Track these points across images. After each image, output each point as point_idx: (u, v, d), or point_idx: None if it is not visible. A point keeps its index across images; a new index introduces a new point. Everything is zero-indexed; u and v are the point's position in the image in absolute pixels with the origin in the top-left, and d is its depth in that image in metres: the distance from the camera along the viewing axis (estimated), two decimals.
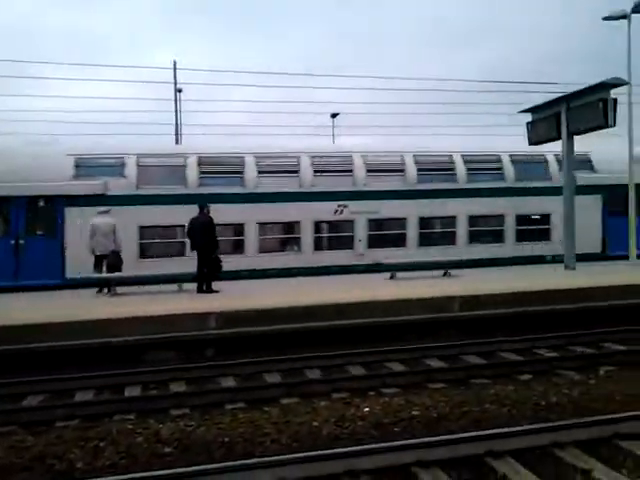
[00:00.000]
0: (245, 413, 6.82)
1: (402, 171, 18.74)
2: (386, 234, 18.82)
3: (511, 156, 19.50)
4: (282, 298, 11.68)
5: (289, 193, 17.54)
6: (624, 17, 15.14)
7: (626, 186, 17.66)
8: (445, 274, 15.32)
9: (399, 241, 18.65)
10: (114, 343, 9.65)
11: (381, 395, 7.50)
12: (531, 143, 17.59)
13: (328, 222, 18.27)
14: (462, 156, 19.18)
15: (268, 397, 7.50)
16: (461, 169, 19.02)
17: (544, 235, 19.47)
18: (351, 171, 18.26)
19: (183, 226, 14.62)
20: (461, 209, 18.78)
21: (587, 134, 15.75)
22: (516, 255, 18.52)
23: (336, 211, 17.83)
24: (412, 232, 18.68)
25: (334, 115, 38.33)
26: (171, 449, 5.78)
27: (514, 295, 11.75)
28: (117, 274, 13.62)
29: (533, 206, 19.31)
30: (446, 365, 8.97)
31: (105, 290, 13.75)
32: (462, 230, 19.00)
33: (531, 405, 6.66)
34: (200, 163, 17.31)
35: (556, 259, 17.14)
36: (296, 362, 9.19)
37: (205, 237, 13.12)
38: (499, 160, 19.46)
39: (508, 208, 19.06)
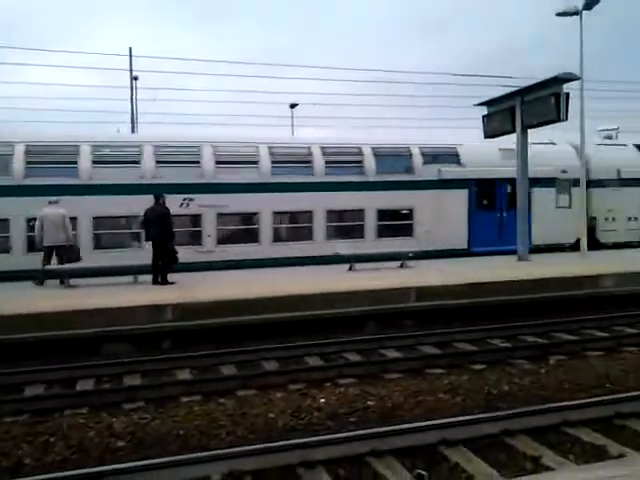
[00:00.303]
0: (201, 406, 6.77)
1: (256, 163, 17.25)
2: (238, 229, 17.68)
3: (373, 149, 18.37)
4: (234, 290, 11.55)
5: (129, 185, 15.94)
6: (576, 13, 15.48)
7: (493, 180, 18.07)
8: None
9: (249, 238, 17.36)
10: (65, 336, 9.44)
11: (338, 386, 7.54)
12: (486, 136, 17.80)
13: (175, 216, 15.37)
14: (321, 148, 17.92)
15: (224, 389, 7.46)
16: (319, 161, 17.73)
17: (406, 230, 18.34)
18: (198, 162, 16.82)
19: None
20: (318, 203, 17.50)
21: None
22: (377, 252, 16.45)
23: (182, 204, 16.41)
24: (266, 229, 17.31)
25: (293, 106, 38.14)
26: (124, 443, 5.70)
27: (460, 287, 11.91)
28: (68, 266, 13.28)
29: (394, 200, 18.18)
30: (402, 355, 9.06)
31: (47, 281, 13.35)
32: (319, 225, 17.70)
33: (484, 394, 6.79)
34: None
35: (418, 255, 15.77)
36: (253, 354, 9.16)
37: (160, 228, 12.88)
38: (360, 153, 18.24)
39: (368, 202, 17.91)
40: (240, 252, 16.57)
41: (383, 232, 18.15)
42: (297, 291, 11.22)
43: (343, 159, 18.41)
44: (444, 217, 18.26)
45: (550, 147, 20.08)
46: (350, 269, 14.97)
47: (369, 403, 6.62)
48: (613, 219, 20.39)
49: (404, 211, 18.61)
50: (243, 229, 17.68)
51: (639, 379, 7.30)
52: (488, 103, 17.47)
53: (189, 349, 9.44)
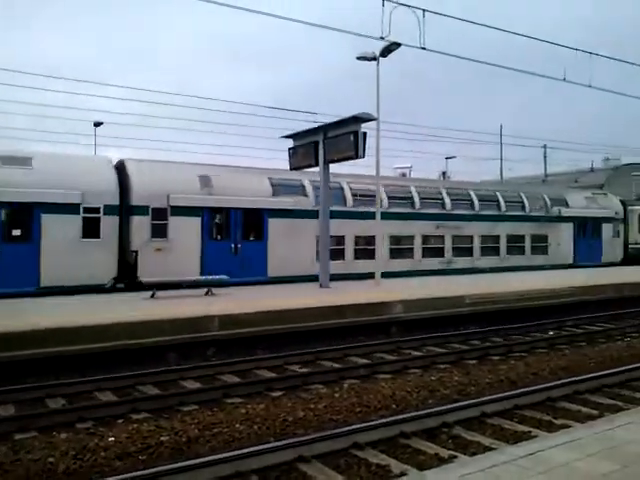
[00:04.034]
0: None
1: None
2: None
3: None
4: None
5: None
6: (374, 59, 16.69)
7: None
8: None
9: None
10: None
11: (130, 422, 7.11)
12: (292, 168, 18.42)
13: None
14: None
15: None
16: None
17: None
18: None
19: None
20: None
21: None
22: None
23: None
24: None
25: (97, 124, 36.19)
26: None
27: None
28: None
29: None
30: (200, 386, 8.84)
31: None
32: None
33: (280, 422, 6.82)
34: None
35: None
36: (36, 391, 8.32)
37: None
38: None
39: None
40: None
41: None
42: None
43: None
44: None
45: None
46: (152, 296, 14.45)
47: (162, 439, 6.31)
48: None
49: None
50: None
51: (421, 398, 7.87)
52: (294, 136, 18.09)
53: None
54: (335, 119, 16.64)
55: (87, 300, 14.20)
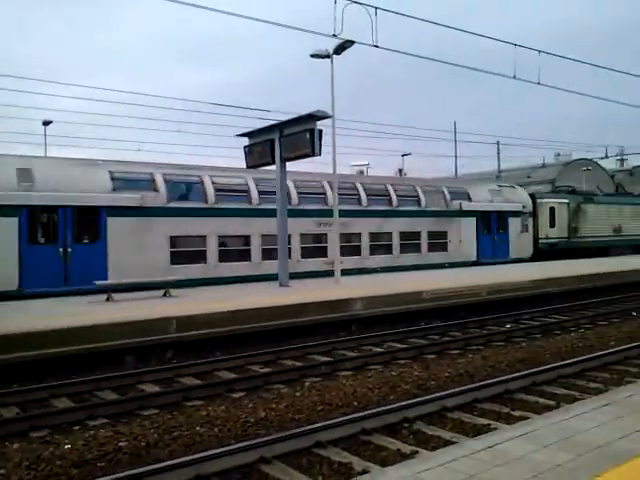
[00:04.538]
0: None
1: None
2: None
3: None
4: None
5: None
6: (328, 57, 16.66)
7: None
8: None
9: None
10: None
11: (87, 428, 6.95)
12: (248, 166, 18.23)
13: None
14: None
15: None
16: None
17: None
18: None
19: None
20: None
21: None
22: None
23: None
24: None
25: (46, 123, 35.25)
26: None
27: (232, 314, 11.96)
28: None
29: None
30: (160, 389, 8.70)
31: None
32: None
33: (241, 423, 6.76)
34: None
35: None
36: None
37: None
38: None
39: None
40: None
41: None
42: None
43: None
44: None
45: None
46: (108, 299, 14.16)
47: (121, 444, 6.18)
48: None
49: None
50: None
51: (382, 395, 7.90)
52: (249, 135, 17.95)
53: None
54: (291, 117, 16.57)
55: None
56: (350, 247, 21.52)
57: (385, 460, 5.62)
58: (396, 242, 23.26)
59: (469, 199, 25.99)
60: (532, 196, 29.19)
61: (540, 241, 28.83)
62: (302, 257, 20.46)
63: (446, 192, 25.44)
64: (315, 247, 21.10)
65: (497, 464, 3.91)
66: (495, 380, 8.13)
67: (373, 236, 22.64)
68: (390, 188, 23.69)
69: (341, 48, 16.15)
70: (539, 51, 17.41)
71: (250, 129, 18.04)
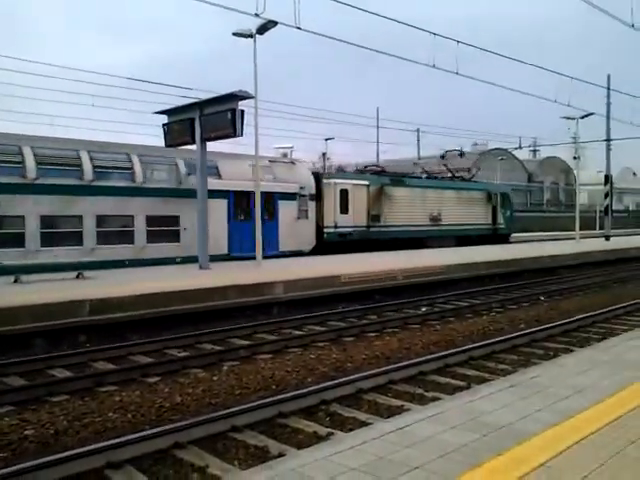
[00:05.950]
0: None
1: None
2: None
3: None
4: None
5: None
6: (251, 36, 16.33)
7: None
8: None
9: None
10: None
11: None
12: (167, 145, 17.68)
13: None
14: None
15: None
16: None
17: None
18: None
19: None
20: None
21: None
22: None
23: None
24: None
25: None
26: None
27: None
28: None
29: None
30: (71, 374, 8.40)
31: None
32: None
33: (155, 408, 6.65)
34: None
35: None
36: None
37: None
38: None
39: None
40: None
41: None
42: None
43: None
44: None
45: None
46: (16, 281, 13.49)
47: (27, 432, 5.93)
48: None
49: None
50: None
51: (300, 377, 7.97)
52: (168, 112, 17.46)
53: None
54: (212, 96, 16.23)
55: None
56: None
57: (301, 443, 5.67)
58: (90, 230, 17.58)
59: (218, 175, 20.27)
60: (316, 175, 24.25)
61: (326, 231, 23.79)
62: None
63: (181, 165, 19.68)
64: None
65: (406, 445, 4.02)
66: (409, 362, 8.36)
67: (47, 221, 16.96)
68: (82, 156, 17.70)
69: (264, 28, 15.84)
70: (457, 41, 17.85)
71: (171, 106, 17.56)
